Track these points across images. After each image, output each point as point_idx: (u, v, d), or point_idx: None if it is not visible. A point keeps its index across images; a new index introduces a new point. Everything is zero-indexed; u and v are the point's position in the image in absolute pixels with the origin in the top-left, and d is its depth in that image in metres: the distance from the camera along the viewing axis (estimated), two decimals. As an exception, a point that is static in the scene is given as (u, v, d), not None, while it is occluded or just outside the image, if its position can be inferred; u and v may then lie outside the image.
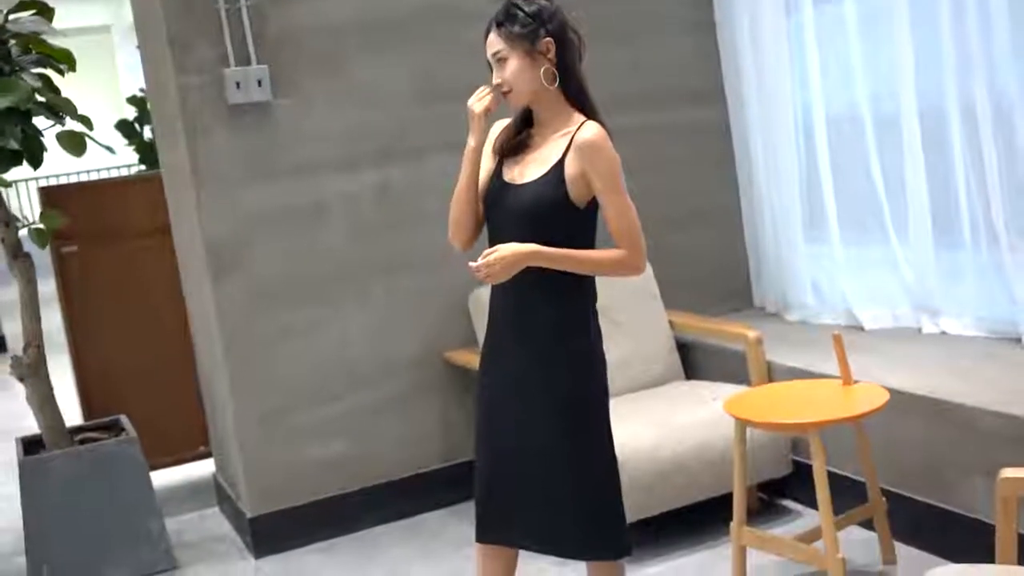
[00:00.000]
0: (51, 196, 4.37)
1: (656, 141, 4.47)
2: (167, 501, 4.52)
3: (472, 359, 3.74)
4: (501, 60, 2.50)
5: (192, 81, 3.74)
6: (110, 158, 5.75)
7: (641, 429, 3.48)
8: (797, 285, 4.41)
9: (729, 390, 3.66)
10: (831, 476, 2.95)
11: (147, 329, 4.54)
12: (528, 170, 2.56)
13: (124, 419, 4.09)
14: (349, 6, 3.93)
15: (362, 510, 4.01)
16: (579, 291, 2.55)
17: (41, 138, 3.75)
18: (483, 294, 3.92)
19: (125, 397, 4.50)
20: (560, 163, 2.51)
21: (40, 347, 3.86)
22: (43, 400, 3.87)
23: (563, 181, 2.48)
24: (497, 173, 2.61)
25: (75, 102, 3.82)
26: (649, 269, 4.17)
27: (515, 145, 2.60)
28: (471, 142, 2.57)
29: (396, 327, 4.06)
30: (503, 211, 2.56)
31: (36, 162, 3.78)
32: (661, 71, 4.49)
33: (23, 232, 3.89)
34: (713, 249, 4.61)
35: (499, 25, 2.52)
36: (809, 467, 2.97)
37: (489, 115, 2.57)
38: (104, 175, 9.81)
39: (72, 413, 4.56)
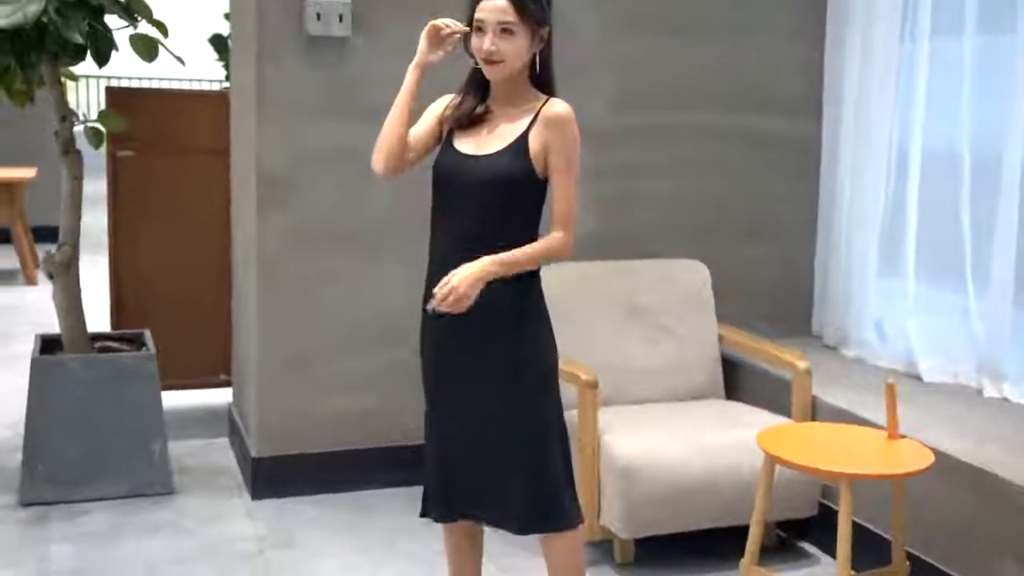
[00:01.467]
0: (116, 98, 4.28)
1: (742, 145, 4.28)
2: (178, 424, 4.47)
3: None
4: (506, 31, 2.45)
5: (272, 5, 3.61)
6: (200, 70, 5.66)
7: (669, 441, 3.31)
8: (861, 320, 4.19)
9: (767, 418, 3.47)
10: (856, 528, 2.76)
11: (190, 247, 4.46)
12: (486, 143, 2.53)
13: (148, 334, 4.02)
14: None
15: (372, 470, 3.89)
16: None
17: (110, 36, 3.66)
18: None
19: (156, 312, 4.44)
20: (524, 136, 2.50)
21: (75, 247, 3.79)
22: (69, 301, 3.80)
23: (527, 154, 2.48)
24: (449, 144, 2.57)
25: (166, 8, 3.72)
26: (706, 273, 3.99)
27: (473, 117, 2.56)
28: (420, 59, 2.55)
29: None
30: (461, 183, 2.51)
31: (102, 60, 3.69)
32: (760, 74, 4.27)
33: (79, 129, 3.81)
34: (779, 266, 4.40)
35: (519, 1, 2.46)
36: (835, 513, 2.78)
37: (445, 48, 2.54)
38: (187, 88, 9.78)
39: (101, 318, 4.51)
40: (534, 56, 2.52)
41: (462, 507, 2.64)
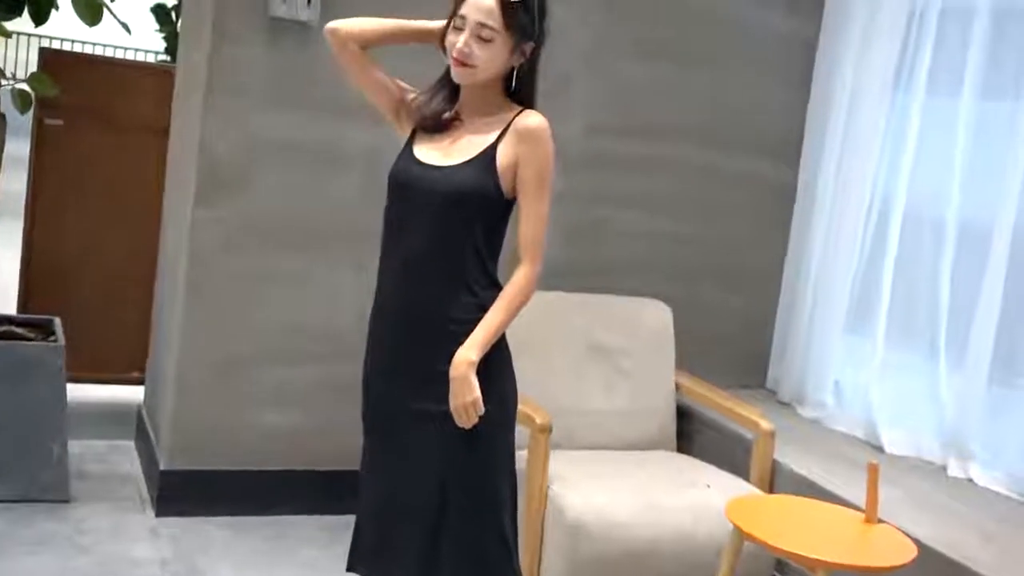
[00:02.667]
0: (50, 60, 3.92)
1: (717, 183, 4.07)
2: (82, 420, 4.07)
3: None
4: (484, 37, 2.21)
5: (234, -22, 3.29)
6: (138, 40, 5.29)
7: (622, 497, 3.06)
8: (820, 379, 4.00)
9: (725, 480, 3.25)
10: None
11: (115, 231, 4.10)
12: (453, 151, 2.28)
13: (57, 322, 3.65)
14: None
15: (295, 495, 3.57)
16: (487, 279, 2.27)
17: (51, -7, 3.31)
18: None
19: (70, 296, 4.08)
20: (492, 149, 2.25)
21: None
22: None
23: (495, 168, 2.23)
24: (409, 149, 2.33)
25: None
26: (669, 314, 3.76)
27: (440, 122, 2.31)
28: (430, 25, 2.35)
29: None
30: (417, 195, 2.26)
31: (39, 19, 3.34)
32: (740, 110, 4.06)
33: (7, 89, 3.45)
34: (741, 312, 4.20)
35: (509, 5, 2.22)
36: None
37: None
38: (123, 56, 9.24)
39: (9, 298, 4.14)
40: (511, 70, 2.27)
41: (389, 564, 2.33)
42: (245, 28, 3.31)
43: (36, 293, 4.08)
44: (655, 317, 3.75)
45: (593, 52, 3.80)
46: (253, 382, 3.51)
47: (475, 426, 2.20)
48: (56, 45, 8.15)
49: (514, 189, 2.25)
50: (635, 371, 3.64)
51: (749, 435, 3.41)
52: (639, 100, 3.90)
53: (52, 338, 3.53)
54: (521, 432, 3.26)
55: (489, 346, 2.21)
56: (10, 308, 4.03)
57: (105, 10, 3.47)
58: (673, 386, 3.72)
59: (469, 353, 2.19)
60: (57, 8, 3.59)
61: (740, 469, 3.39)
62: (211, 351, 3.45)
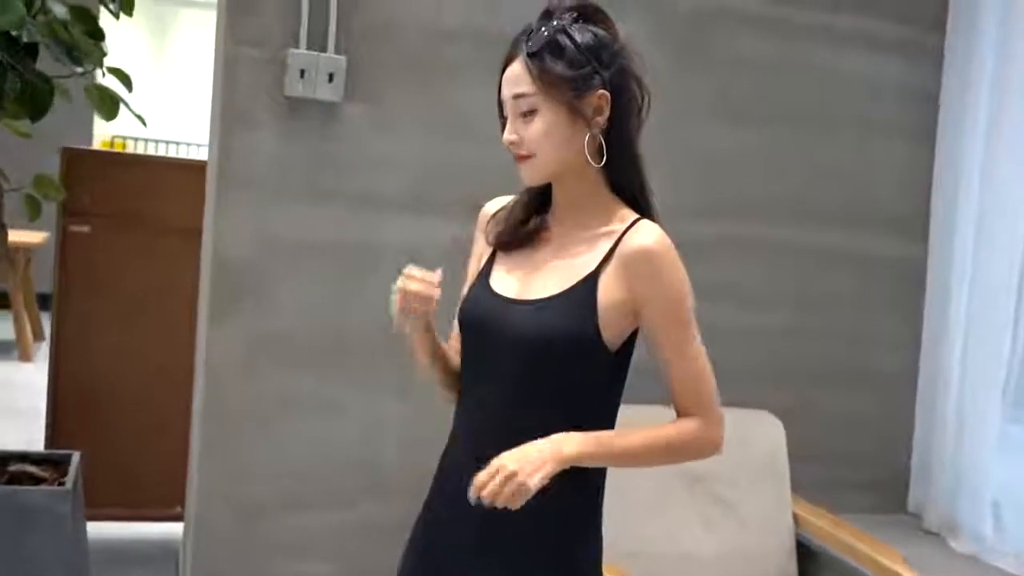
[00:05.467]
0: (73, 161, 3.56)
1: (828, 268, 3.42)
2: (122, 561, 3.68)
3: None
4: (524, 111, 1.65)
5: (244, 54, 2.84)
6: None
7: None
8: (976, 502, 3.26)
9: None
10: None
11: (148, 347, 3.68)
12: (538, 280, 1.68)
13: (75, 458, 3.20)
14: (468, 9, 2.99)
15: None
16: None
17: (49, 85, 2.92)
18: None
19: (103, 425, 3.67)
20: (593, 278, 1.64)
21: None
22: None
23: (594, 307, 1.62)
24: (485, 276, 1.76)
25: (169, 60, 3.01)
26: (780, 430, 3.10)
27: (521, 237, 1.74)
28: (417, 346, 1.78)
29: (441, 431, 3.06)
30: (491, 339, 1.67)
31: (36, 113, 2.94)
32: (849, 178, 3.42)
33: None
34: (869, 422, 3.49)
35: (533, 56, 1.65)
36: None
37: (412, 318, 1.72)
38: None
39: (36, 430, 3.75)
40: (600, 143, 1.66)
41: None
42: (258, 110, 2.86)
43: (65, 422, 3.68)
44: (763, 433, 3.10)
45: (663, 119, 3.21)
46: (280, 527, 2.97)
47: None
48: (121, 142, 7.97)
49: (622, 335, 1.66)
50: (741, 502, 2.99)
51: (888, 582, 2.71)
52: (723, 172, 3.28)
53: (63, 480, 3.08)
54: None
55: (597, 456, 1.59)
56: (39, 439, 3.63)
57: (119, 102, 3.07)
58: (791, 519, 3.05)
59: (569, 445, 1.56)
60: (70, 102, 3.23)
61: (877, 627, 2.70)
62: (232, 491, 2.94)
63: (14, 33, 2.69)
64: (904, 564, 2.69)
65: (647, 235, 1.64)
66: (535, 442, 1.56)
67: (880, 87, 3.43)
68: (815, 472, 3.32)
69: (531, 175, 1.70)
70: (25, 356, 6.89)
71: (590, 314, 1.62)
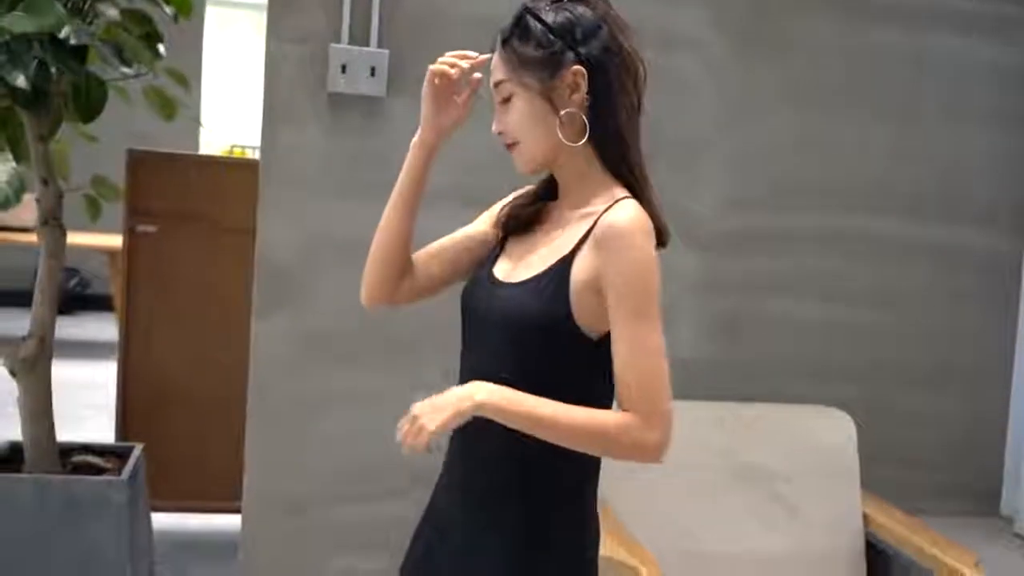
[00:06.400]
0: (137, 162, 3.61)
1: (908, 260, 3.24)
2: (189, 553, 3.73)
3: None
4: (504, 98, 1.63)
5: (287, 51, 2.84)
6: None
7: None
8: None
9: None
10: None
11: (215, 343, 3.71)
12: (525, 262, 1.65)
13: (137, 450, 3.25)
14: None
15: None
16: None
17: (103, 87, 2.96)
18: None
19: (171, 419, 3.72)
20: (569, 259, 1.57)
21: (44, 340, 3.07)
22: (34, 406, 3.07)
23: (567, 288, 1.55)
24: (491, 262, 1.72)
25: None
26: (851, 427, 2.94)
27: (522, 221, 1.71)
28: (423, 128, 1.76)
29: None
30: (477, 320, 1.67)
31: (88, 114, 2.99)
32: (931, 165, 3.24)
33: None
34: (957, 420, 3.30)
35: (504, 43, 1.64)
36: None
37: (446, 87, 1.70)
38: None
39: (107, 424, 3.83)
40: (582, 121, 1.59)
41: None
42: (301, 107, 2.85)
43: (134, 416, 3.74)
44: (831, 430, 2.95)
45: (728, 107, 3.10)
46: (332, 521, 2.96)
47: None
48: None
49: (601, 321, 1.56)
50: (804, 502, 2.84)
51: (960, 589, 2.54)
52: (791, 161, 3.14)
53: (125, 469, 3.13)
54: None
55: (509, 413, 1.50)
56: (110, 434, 3.71)
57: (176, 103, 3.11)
58: (860, 520, 2.89)
59: (481, 393, 1.51)
60: (131, 104, 3.28)
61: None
62: (282, 485, 2.94)
63: (61, 36, 2.72)
64: (976, 566, 2.51)
65: (619, 213, 1.55)
66: (457, 387, 1.54)
67: (971, 69, 3.23)
68: (899, 473, 3.19)
69: (521, 163, 1.66)
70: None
71: (563, 295, 1.56)
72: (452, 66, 1.69)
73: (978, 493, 3.32)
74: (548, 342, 1.56)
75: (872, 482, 3.07)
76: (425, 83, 1.72)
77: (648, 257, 1.52)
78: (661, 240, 1.59)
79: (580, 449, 1.52)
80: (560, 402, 1.50)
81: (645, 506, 2.72)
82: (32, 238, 7.96)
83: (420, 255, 1.79)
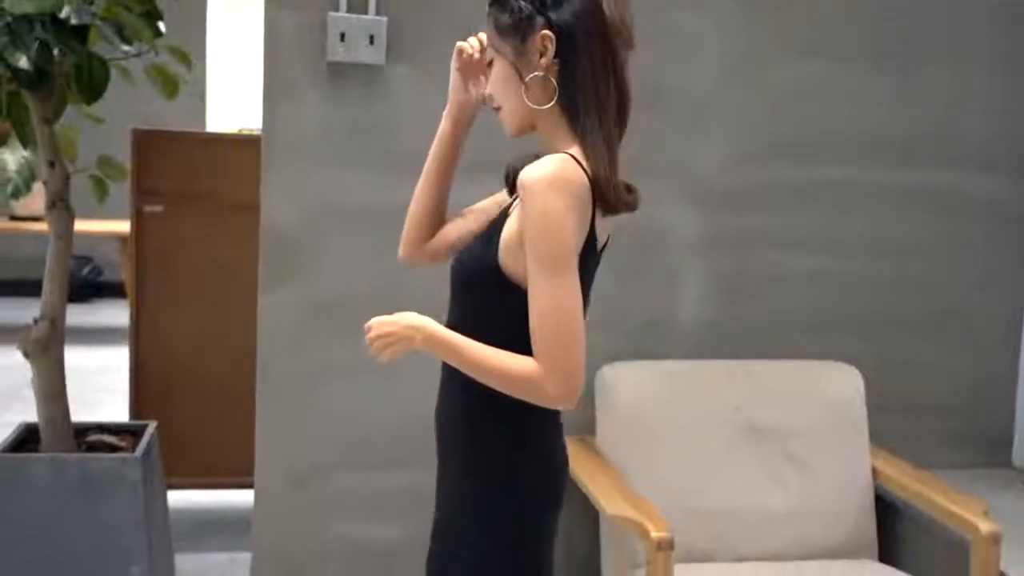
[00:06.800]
0: (142, 141, 3.63)
1: (914, 209, 3.23)
2: (203, 530, 3.77)
3: (588, 456, 2.67)
4: (488, 63, 1.76)
5: (285, 20, 2.84)
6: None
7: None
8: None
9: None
10: None
11: (224, 320, 3.73)
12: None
13: (150, 428, 3.28)
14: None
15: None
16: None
17: (105, 67, 2.97)
18: (612, 373, 2.85)
19: (183, 397, 3.75)
20: (505, 213, 1.70)
21: (55, 322, 3.10)
22: (48, 387, 3.10)
23: (497, 241, 1.66)
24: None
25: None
26: (859, 380, 2.95)
27: (510, 185, 1.80)
28: (452, 100, 1.87)
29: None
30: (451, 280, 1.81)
31: (91, 95, 3.00)
32: (936, 111, 3.22)
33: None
34: (966, 370, 3.30)
35: (488, 13, 1.74)
36: None
37: (470, 64, 1.83)
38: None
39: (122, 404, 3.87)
40: (553, 85, 1.65)
41: None
42: (301, 76, 2.85)
43: (146, 395, 3.77)
44: (839, 385, 2.96)
45: (733, 60, 3.09)
46: (342, 490, 2.99)
47: (445, 570, 1.78)
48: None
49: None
50: (813, 457, 2.85)
51: (969, 538, 2.54)
52: (798, 112, 3.13)
53: (138, 446, 3.16)
54: (638, 548, 2.58)
55: (439, 348, 1.66)
56: (124, 414, 3.75)
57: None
58: (869, 474, 2.90)
59: (423, 330, 1.67)
60: (133, 83, 3.30)
61: (963, 583, 2.55)
62: (292, 455, 2.97)
63: (62, 16, 2.74)
64: (983, 514, 2.52)
65: (534, 167, 1.59)
66: (407, 315, 1.69)
67: (968, 10, 3.21)
68: (907, 426, 3.20)
69: (506, 127, 1.75)
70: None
71: (494, 246, 1.66)
72: (476, 46, 1.81)
73: (990, 444, 3.31)
74: (481, 290, 1.68)
75: (881, 435, 3.08)
76: (453, 58, 1.84)
77: (553, 209, 1.55)
78: (612, 208, 1.64)
79: (493, 386, 1.62)
80: (487, 345, 1.61)
81: (653, 464, 2.74)
82: (43, 227, 8.02)
83: (452, 216, 1.92)
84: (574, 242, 1.58)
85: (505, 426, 1.71)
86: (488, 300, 1.68)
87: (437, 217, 1.89)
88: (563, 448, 1.79)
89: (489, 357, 1.60)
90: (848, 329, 3.18)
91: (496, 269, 1.65)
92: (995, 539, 2.45)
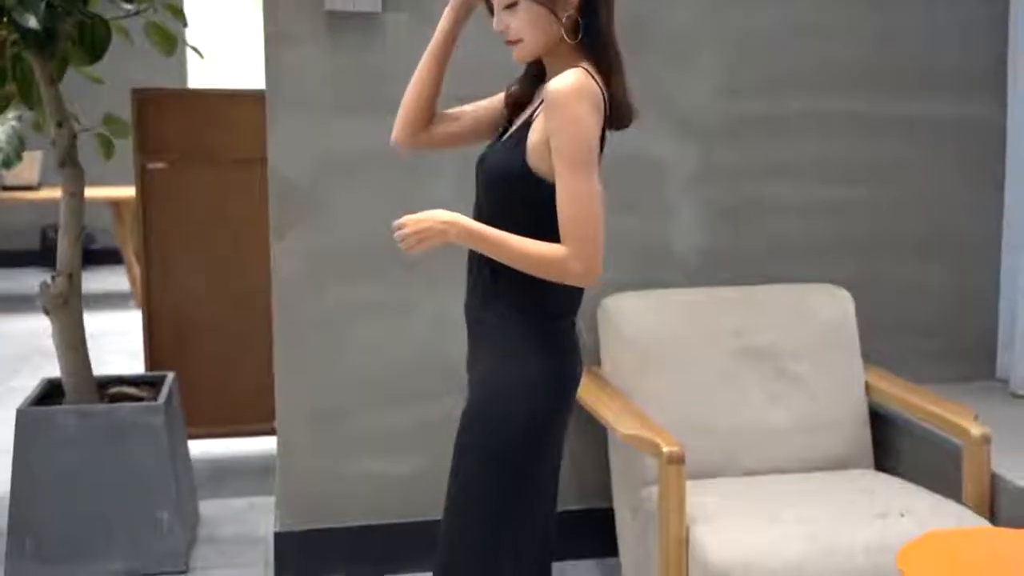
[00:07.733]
0: (142, 101, 3.70)
1: (897, 136, 3.34)
2: (223, 477, 3.90)
3: (595, 384, 2.79)
4: (508, 4, 1.90)
5: (282, -27, 2.92)
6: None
7: (783, 536, 2.43)
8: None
9: (931, 506, 2.55)
10: None
11: (232, 273, 3.84)
12: (510, 132, 2.00)
13: (169, 378, 3.39)
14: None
15: (422, 547, 3.14)
16: (531, 289, 1.91)
17: (106, 26, 3.04)
18: (615, 304, 2.97)
19: (197, 349, 3.87)
20: (529, 121, 1.92)
21: (73, 277, 3.20)
22: (68, 340, 3.21)
23: (524, 146, 1.88)
24: (499, 135, 2.06)
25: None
26: (850, 302, 3.08)
27: (518, 100, 2.03)
28: (444, 16, 2.05)
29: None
30: (478, 178, 2.01)
31: (94, 55, 3.08)
32: (920, 42, 3.32)
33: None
34: (950, 289, 3.43)
35: None
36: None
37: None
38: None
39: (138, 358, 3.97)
40: (576, 24, 1.88)
41: None
42: (299, 27, 2.93)
43: (161, 349, 3.88)
44: (831, 306, 3.08)
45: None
46: (362, 428, 3.11)
47: (466, 445, 1.94)
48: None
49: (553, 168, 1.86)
50: (808, 375, 2.98)
51: (960, 442, 2.68)
52: (782, 45, 3.23)
53: (161, 396, 3.27)
54: (649, 465, 2.71)
55: (472, 242, 1.85)
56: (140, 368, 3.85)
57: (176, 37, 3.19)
58: (862, 389, 3.03)
59: (454, 217, 1.85)
60: (132, 42, 3.37)
61: (956, 489, 2.68)
62: (312, 397, 3.08)
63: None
64: (973, 419, 2.66)
65: (560, 79, 1.81)
66: (437, 212, 1.86)
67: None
68: (893, 345, 3.31)
69: (521, 56, 1.94)
70: (139, 302, 7.22)
71: (521, 150, 1.88)
72: None
73: (976, 358, 3.45)
74: (513, 188, 1.88)
75: (872, 353, 3.22)
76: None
77: (579, 116, 1.79)
78: (623, 120, 1.92)
79: (523, 269, 1.83)
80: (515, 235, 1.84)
81: (658, 388, 2.86)
82: (35, 196, 8.04)
83: (444, 113, 2.09)
84: (595, 141, 1.82)
85: (531, 330, 1.91)
86: (516, 195, 1.89)
87: (429, 107, 2.05)
88: (579, 359, 1.98)
89: (519, 242, 1.82)
90: (838, 253, 3.30)
91: (523, 167, 1.87)
92: (986, 440, 2.59)
